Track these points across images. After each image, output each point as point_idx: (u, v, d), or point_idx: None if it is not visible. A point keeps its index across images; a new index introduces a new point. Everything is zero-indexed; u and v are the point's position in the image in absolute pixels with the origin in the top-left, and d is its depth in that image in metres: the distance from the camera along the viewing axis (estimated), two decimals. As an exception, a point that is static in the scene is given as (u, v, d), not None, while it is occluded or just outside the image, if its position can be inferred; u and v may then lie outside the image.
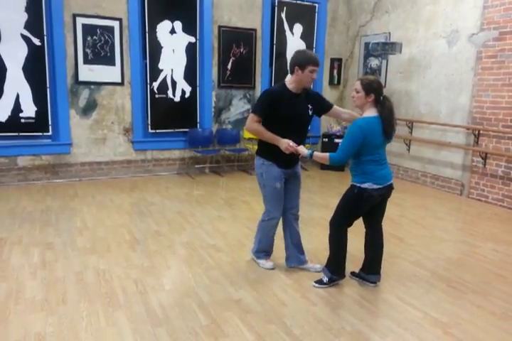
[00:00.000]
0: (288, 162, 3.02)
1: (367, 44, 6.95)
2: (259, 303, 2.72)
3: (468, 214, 4.93)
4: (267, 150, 2.99)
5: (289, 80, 2.97)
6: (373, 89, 2.70)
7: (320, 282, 2.98)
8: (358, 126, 2.69)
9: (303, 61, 2.86)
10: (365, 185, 2.77)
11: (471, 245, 3.87)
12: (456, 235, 4.19)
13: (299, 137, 2.99)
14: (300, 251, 3.23)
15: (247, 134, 6.49)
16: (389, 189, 2.87)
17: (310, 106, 3.01)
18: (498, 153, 5.10)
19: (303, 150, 2.82)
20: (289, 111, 2.88)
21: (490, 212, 4.97)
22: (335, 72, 7.53)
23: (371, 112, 2.74)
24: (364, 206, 2.85)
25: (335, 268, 2.96)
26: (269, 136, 2.89)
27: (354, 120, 2.83)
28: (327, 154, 2.79)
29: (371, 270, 3.01)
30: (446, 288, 3.01)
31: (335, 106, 3.18)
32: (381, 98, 2.73)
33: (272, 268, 3.20)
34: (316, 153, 2.81)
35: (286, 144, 2.81)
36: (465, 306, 2.76)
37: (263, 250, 3.27)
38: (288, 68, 3.02)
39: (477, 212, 4.98)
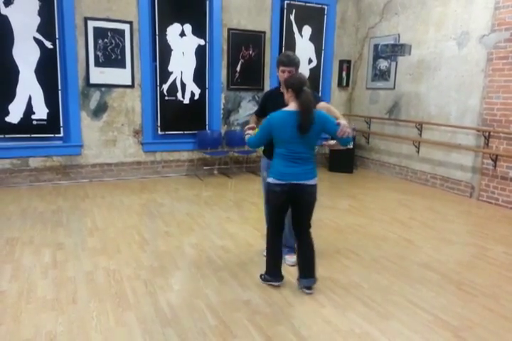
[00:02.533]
0: None
1: (376, 46, 6.93)
2: (267, 304, 2.72)
3: (478, 217, 4.89)
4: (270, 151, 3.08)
5: None
6: (290, 84, 2.76)
7: (261, 276, 3.04)
8: (268, 118, 2.80)
9: (276, 62, 3.11)
10: (269, 179, 2.82)
11: (482, 248, 3.83)
12: (466, 238, 4.15)
13: None
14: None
15: None
16: (297, 189, 2.75)
17: None
18: (508, 155, 5.04)
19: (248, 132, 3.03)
20: (273, 109, 2.89)
21: (500, 214, 4.92)
22: (344, 73, 7.52)
23: (291, 106, 2.75)
24: (273, 201, 2.84)
25: (268, 269, 2.98)
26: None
27: None
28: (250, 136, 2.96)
29: (301, 274, 2.92)
30: (457, 290, 2.99)
31: (319, 104, 2.99)
32: (301, 93, 2.70)
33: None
34: (247, 135, 3.00)
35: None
36: (476, 309, 2.74)
37: (268, 260, 3.13)
38: None
39: (487, 214, 4.93)
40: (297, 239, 2.97)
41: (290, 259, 3.32)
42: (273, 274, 2.98)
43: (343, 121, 2.77)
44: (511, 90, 5.03)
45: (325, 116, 2.77)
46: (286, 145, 2.74)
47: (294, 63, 3.04)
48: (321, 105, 2.95)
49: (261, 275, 3.05)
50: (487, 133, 5.30)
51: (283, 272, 3.00)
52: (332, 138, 2.92)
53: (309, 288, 2.89)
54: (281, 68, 3.02)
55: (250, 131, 3.04)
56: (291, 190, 2.76)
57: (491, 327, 2.54)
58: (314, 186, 2.82)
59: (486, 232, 4.26)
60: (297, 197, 2.79)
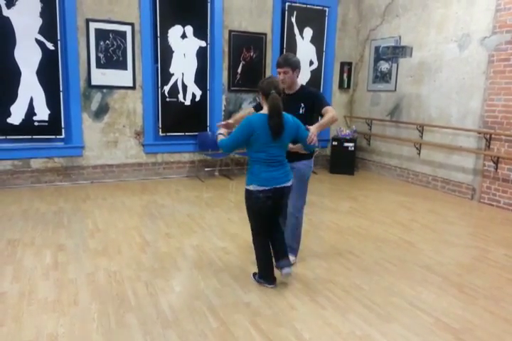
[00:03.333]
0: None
1: (377, 48, 6.94)
2: (268, 306, 2.72)
3: (479, 219, 4.88)
4: None
5: None
6: (260, 88, 2.80)
7: (254, 275, 3.07)
8: (248, 119, 2.74)
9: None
10: (251, 187, 2.79)
11: (483, 250, 3.83)
12: (467, 240, 4.15)
13: None
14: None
15: None
16: (280, 191, 2.81)
17: (302, 105, 3.15)
18: (510, 158, 5.04)
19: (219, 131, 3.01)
20: None
21: (501, 216, 4.92)
22: (345, 75, 7.53)
23: (264, 110, 2.79)
24: (258, 208, 2.83)
25: (261, 273, 3.00)
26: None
27: None
28: (222, 138, 2.87)
29: (278, 257, 2.98)
30: (458, 293, 2.99)
31: (325, 108, 3.10)
32: (269, 96, 2.72)
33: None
34: (220, 135, 2.93)
35: None
36: (477, 312, 2.73)
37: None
38: None
39: (489, 216, 4.93)
40: (272, 234, 2.99)
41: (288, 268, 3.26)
42: (265, 277, 2.99)
43: (312, 129, 2.82)
44: (512, 92, 5.04)
45: (297, 120, 2.83)
46: (265, 149, 2.74)
47: (288, 64, 3.07)
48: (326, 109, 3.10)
49: (254, 275, 3.08)
50: (488, 136, 5.30)
51: (292, 276, 2.99)
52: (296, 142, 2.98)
53: (283, 266, 2.93)
54: (277, 69, 3.13)
55: (222, 131, 2.96)
56: (274, 195, 2.78)
57: (491, 329, 2.54)
58: (291, 187, 2.91)
59: (487, 234, 4.25)
60: (278, 199, 2.84)
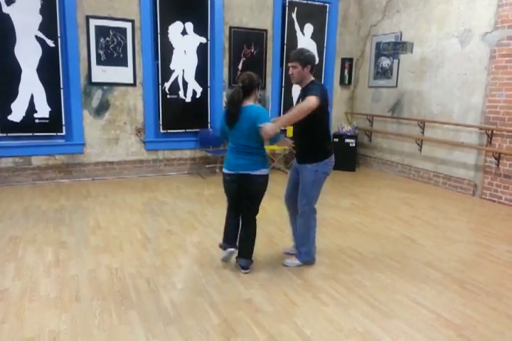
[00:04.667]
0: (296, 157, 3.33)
1: (378, 44, 6.91)
2: (270, 303, 2.72)
3: (481, 215, 4.87)
4: None
5: None
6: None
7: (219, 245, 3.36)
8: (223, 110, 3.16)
9: None
10: (223, 169, 3.14)
11: (485, 246, 3.82)
12: (469, 236, 4.14)
13: (297, 126, 3.11)
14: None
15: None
16: (243, 178, 3.03)
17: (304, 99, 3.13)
18: (511, 153, 5.03)
19: None
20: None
21: (503, 212, 4.91)
22: (346, 71, 7.50)
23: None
24: (224, 188, 3.19)
25: (223, 237, 3.31)
26: None
27: None
28: None
29: (239, 254, 3.21)
30: (460, 289, 2.98)
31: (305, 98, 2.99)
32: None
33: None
34: None
35: None
36: (479, 308, 2.73)
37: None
38: None
39: (490, 212, 4.92)
40: (241, 223, 3.20)
41: (290, 261, 3.31)
42: (224, 240, 3.28)
43: (266, 125, 2.83)
44: (514, 88, 5.01)
45: (257, 113, 2.92)
46: (229, 137, 3.08)
47: (298, 59, 3.05)
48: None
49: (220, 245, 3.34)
50: (490, 131, 5.28)
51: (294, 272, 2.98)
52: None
53: (244, 268, 3.14)
54: (288, 63, 3.15)
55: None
56: (237, 179, 3.05)
57: (493, 325, 2.53)
58: (261, 176, 3.04)
59: (489, 231, 4.25)
60: (244, 184, 3.06)
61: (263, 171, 3.03)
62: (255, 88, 2.99)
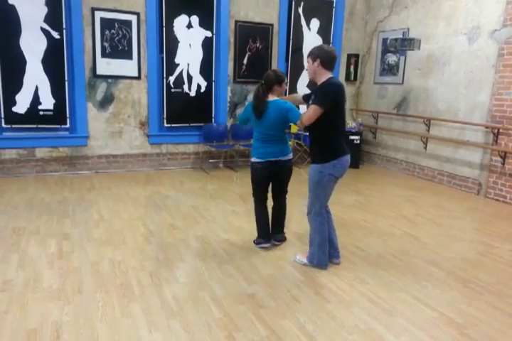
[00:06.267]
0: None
1: (385, 40, 6.85)
2: (272, 298, 2.72)
3: (485, 214, 4.85)
4: None
5: None
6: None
7: (254, 241, 3.54)
8: (249, 102, 3.43)
9: None
10: (252, 159, 3.38)
11: (488, 245, 3.81)
12: (472, 235, 4.12)
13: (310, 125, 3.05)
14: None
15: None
16: (275, 165, 3.30)
17: (312, 97, 3.11)
18: (518, 153, 5.00)
19: None
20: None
21: (508, 212, 4.89)
22: (352, 67, 7.45)
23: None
24: (256, 177, 3.39)
25: (259, 234, 3.51)
26: None
27: None
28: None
29: (273, 229, 3.53)
30: (463, 288, 2.97)
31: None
32: None
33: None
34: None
35: None
36: (481, 307, 2.72)
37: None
38: (335, 64, 3.13)
39: (494, 211, 4.90)
40: (275, 204, 3.53)
41: (299, 257, 3.30)
42: (263, 236, 3.49)
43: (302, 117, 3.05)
44: (522, 86, 4.97)
45: (288, 109, 3.17)
46: (256, 129, 3.35)
47: (309, 53, 3.07)
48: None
49: (254, 241, 3.53)
50: (496, 130, 5.24)
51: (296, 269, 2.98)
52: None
53: (279, 240, 3.55)
54: None
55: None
56: (269, 166, 3.30)
57: (496, 324, 2.53)
58: (289, 160, 3.36)
59: (493, 230, 4.23)
60: (275, 170, 3.32)
61: (290, 156, 3.37)
62: (275, 84, 3.23)
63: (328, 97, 2.91)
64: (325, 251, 3.15)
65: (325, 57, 2.98)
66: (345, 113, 3.16)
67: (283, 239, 3.60)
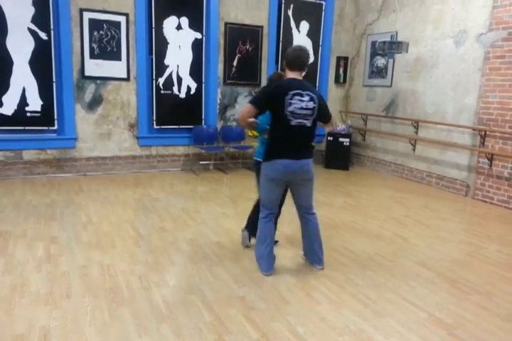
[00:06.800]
0: None
1: (374, 43, 6.92)
2: (263, 301, 2.71)
3: (473, 215, 4.91)
4: None
5: (302, 76, 3.02)
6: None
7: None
8: None
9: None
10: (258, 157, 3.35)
11: (476, 246, 3.85)
12: (460, 236, 4.17)
13: None
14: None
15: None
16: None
17: None
18: (504, 154, 5.07)
19: None
20: None
21: (495, 213, 4.95)
22: (341, 70, 7.50)
23: None
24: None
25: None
26: None
27: None
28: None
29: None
30: (451, 288, 3.00)
31: None
32: None
33: None
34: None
35: None
36: (470, 307, 2.75)
37: None
38: (302, 64, 2.99)
39: (482, 213, 4.96)
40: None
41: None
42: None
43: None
44: (508, 89, 5.04)
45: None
46: None
47: None
48: None
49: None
50: (483, 132, 5.32)
51: (287, 271, 2.98)
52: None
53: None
54: None
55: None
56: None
57: (484, 324, 2.56)
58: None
59: (481, 231, 4.28)
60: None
61: (256, 157, 3.35)
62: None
63: (261, 96, 2.97)
64: (262, 255, 3.10)
65: (286, 57, 3.01)
66: (290, 121, 2.88)
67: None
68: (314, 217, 3.24)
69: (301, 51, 2.99)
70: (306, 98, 2.90)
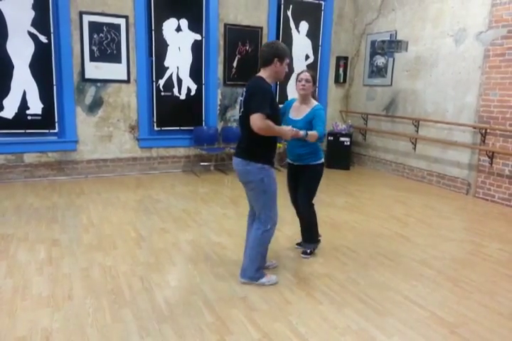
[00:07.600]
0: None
1: (373, 42, 6.92)
2: (264, 301, 2.71)
3: (474, 214, 4.90)
4: (264, 153, 2.83)
5: (265, 74, 2.77)
6: (315, 80, 3.29)
7: (306, 253, 3.42)
8: (323, 108, 3.30)
9: (283, 53, 2.76)
10: (323, 160, 3.55)
11: (478, 244, 3.84)
12: (462, 234, 4.16)
13: None
14: None
15: None
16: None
17: None
18: (505, 152, 5.06)
19: (301, 131, 2.90)
20: (278, 107, 2.84)
21: (496, 211, 4.94)
22: (341, 70, 7.50)
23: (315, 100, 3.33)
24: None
25: (316, 238, 3.52)
26: (278, 129, 2.72)
27: (317, 104, 3.26)
28: (315, 131, 3.07)
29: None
30: (453, 287, 3.00)
31: None
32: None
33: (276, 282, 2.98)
34: (309, 131, 2.98)
35: (290, 130, 2.79)
36: (472, 306, 2.74)
37: (263, 265, 3.02)
38: (263, 60, 2.76)
39: (483, 211, 4.95)
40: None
41: (273, 277, 2.99)
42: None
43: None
44: (508, 87, 5.04)
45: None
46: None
47: (276, 56, 2.79)
48: None
49: (306, 252, 3.44)
50: (484, 131, 5.31)
51: (288, 271, 2.99)
52: None
53: (303, 252, 3.48)
54: (288, 60, 2.84)
55: (298, 130, 2.92)
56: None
57: (486, 323, 2.55)
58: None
59: (482, 229, 4.27)
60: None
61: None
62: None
63: (265, 98, 2.79)
64: (262, 266, 3.03)
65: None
66: (243, 119, 2.76)
67: (307, 252, 3.42)
68: (257, 227, 2.88)
69: (264, 47, 2.79)
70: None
